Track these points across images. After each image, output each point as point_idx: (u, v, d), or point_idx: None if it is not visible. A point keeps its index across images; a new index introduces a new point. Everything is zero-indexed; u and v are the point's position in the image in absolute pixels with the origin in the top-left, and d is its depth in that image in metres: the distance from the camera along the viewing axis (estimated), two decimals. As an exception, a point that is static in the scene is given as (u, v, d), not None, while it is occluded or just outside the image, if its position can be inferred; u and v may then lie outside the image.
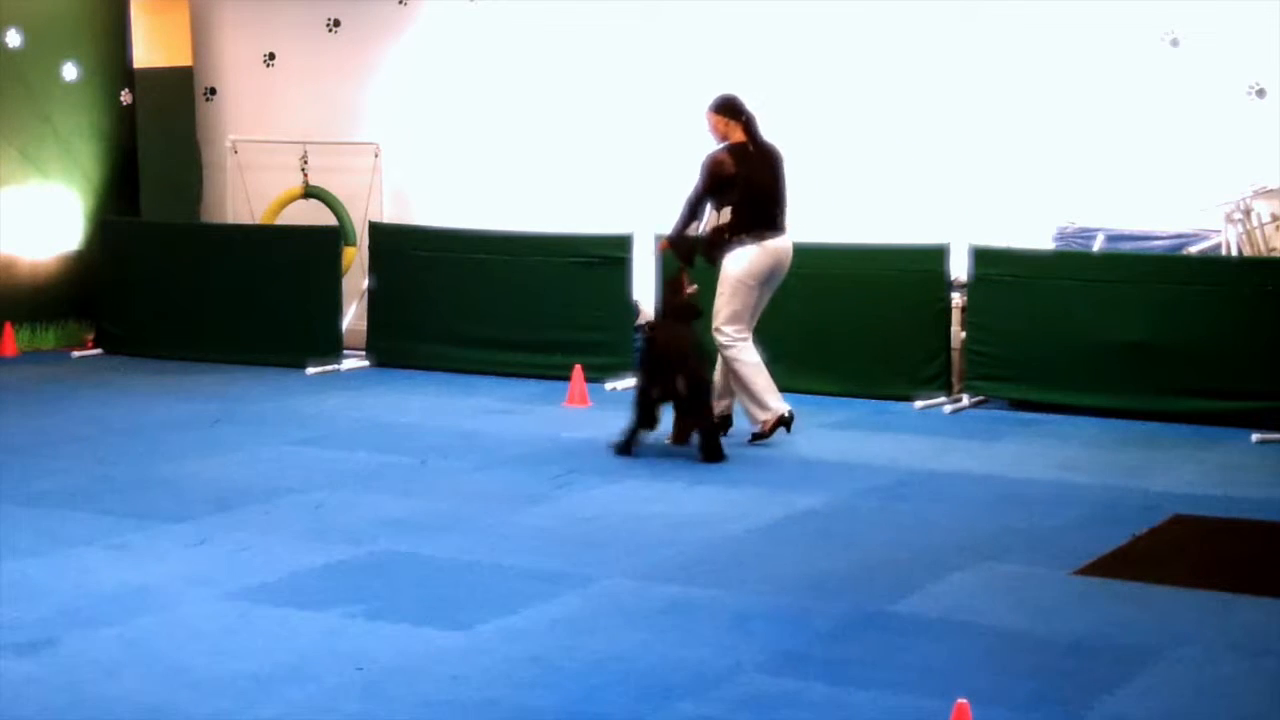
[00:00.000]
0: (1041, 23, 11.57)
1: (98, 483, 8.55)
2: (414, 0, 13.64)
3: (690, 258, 9.66)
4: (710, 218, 9.65)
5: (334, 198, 13.50)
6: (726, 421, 9.69)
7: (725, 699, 5.35)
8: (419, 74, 13.62)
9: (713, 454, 9.09)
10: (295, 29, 14.07)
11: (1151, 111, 11.30)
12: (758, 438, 9.52)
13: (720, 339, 9.50)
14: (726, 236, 9.50)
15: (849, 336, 11.01)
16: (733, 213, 9.51)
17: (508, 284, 12.20)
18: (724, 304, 9.50)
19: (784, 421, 9.49)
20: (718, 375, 9.67)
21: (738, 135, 9.58)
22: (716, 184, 9.50)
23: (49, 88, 13.55)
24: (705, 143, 12.46)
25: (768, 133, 12.31)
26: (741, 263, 9.48)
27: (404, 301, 12.54)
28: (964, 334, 11.01)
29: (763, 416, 9.48)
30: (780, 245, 9.57)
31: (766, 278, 9.57)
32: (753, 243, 9.46)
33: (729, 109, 9.63)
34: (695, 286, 9.68)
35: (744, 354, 9.47)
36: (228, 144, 14.03)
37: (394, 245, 12.63)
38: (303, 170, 13.58)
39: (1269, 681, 5.60)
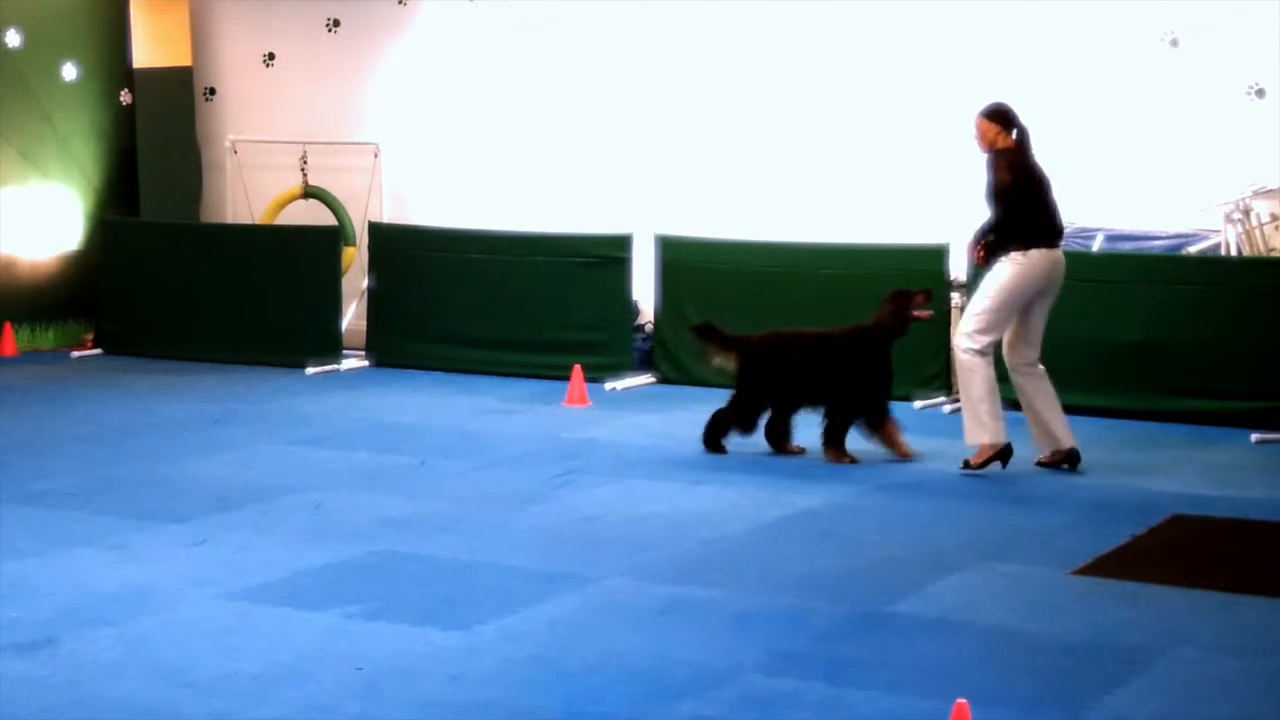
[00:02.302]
0: (1042, 23, 11.56)
1: (98, 483, 8.55)
2: (414, 0, 13.64)
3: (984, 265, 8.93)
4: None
5: (334, 198, 13.50)
6: (1072, 457, 8.87)
7: (725, 699, 5.35)
8: (419, 74, 13.62)
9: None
10: (295, 29, 14.06)
11: (1151, 111, 11.29)
12: (969, 467, 8.79)
13: (966, 343, 8.73)
14: (1002, 239, 8.74)
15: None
16: (1010, 211, 8.72)
17: (508, 284, 12.20)
18: (980, 311, 8.72)
19: (1002, 455, 8.77)
20: (1030, 413, 8.92)
21: (1006, 146, 8.83)
22: (1023, 175, 8.73)
23: (49, 88, 13.54)
24: (705, 142, 12.54)
25: (769, 130, 12.39)
26: (1012, 271, 8.66)
27: (404, 301, 12.54)
28: (964, 334, 10.99)
29: (981, 437, 8.74)
30: (1056, 256, 8.77)
31: (1040, 291, 8.76)
32: (1029, 249, 8.67)
33: (1001, 117, 8.87)
34: (930, 314, 9.36)
35: (979, 367, 8.69)
36: (227, 144, 14.03)
37: (394, 245, 12.63)
38: (302, 170, 13.58)
39: (1269, 681, 5.60)
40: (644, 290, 11.92)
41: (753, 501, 8.18)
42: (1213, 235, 10.83)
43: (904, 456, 9.17)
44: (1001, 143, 8.86)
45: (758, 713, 5.25)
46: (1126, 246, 11.03)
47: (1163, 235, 11.07)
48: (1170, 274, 10.43)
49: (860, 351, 9.26)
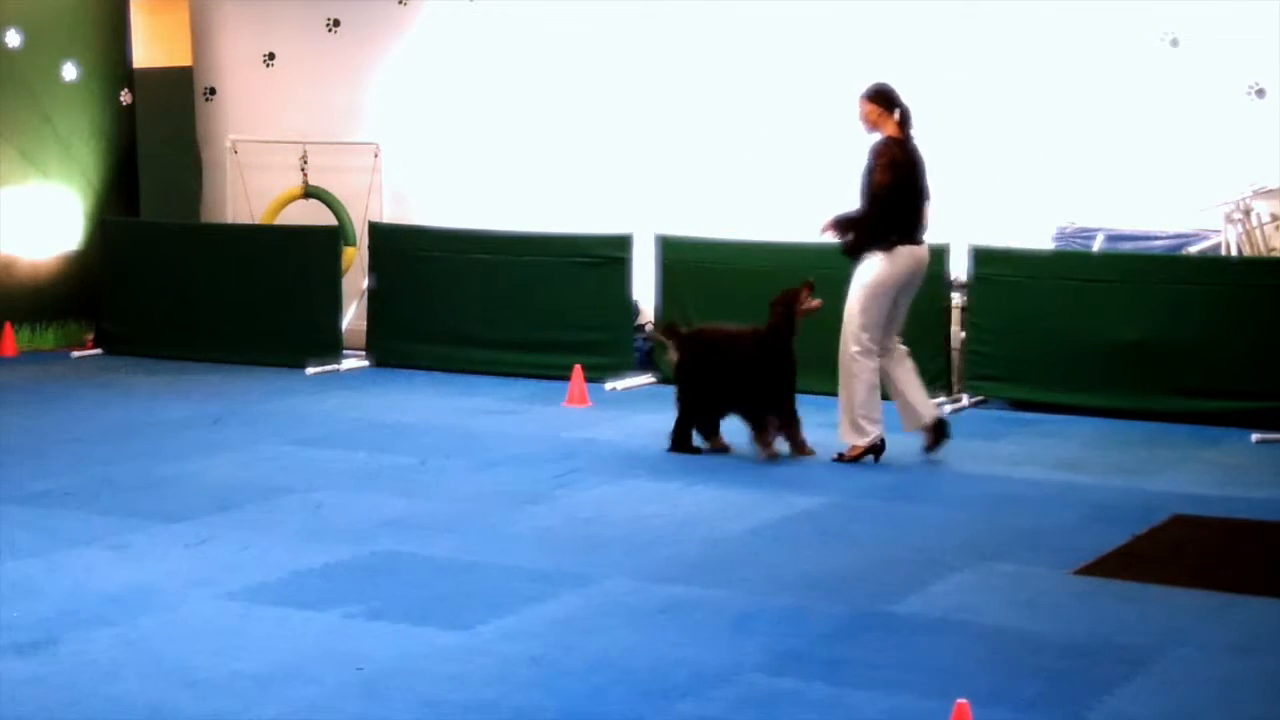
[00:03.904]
0: (1041, 23, 11.57)
1: (98, 483, 8.55)
2: (414, 0, 13.64)
3: (857, 257, 9.08)
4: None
5: (334, 198, 13.50)
6: (940, 428, 9.14)
7: (725, 699, 5.35)
8: (419, 74, 13.62)
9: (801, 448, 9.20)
10: (295, 29, 14.07)
11: (1151, 111, 11.29)
12: (843, 459, 9.05)
13: (852, 347, 8.96)
14: (866, 237, 8.99)
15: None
16: (879, 214, 8.98)
17: (508, 284, 12.20)
18: (858, 311, 8.96)
19: (875, 449, 9.04)
20: (898, 395, 9.18)
21: (890, 128, 9.00)
22: (901, 174, 8.93)
23: (49, 88, 13.54)
24: (705, 142, 12.54)
25: (770, 130, 12.39)
26: (879, 269, 8.95)
27: (404, 301, 12.54)
28: (964, 334, 11.01)
29: (856, 440, 9.03)
30: (919, 253, 9.08)
31: (904, 285, 9.06)
32: (894, 248, 8.94)
33: (883, 99, 9.01)
34: (819, 302, 9.12)
35: (865, 372, 8.95)
36: (228, 144, 14.04)
37: (394, 245, 12.63)
38: (303, 170, 13.58)
39: (1269, 681, 5.60)
40: (644, 290, 11.92)
41: (753, 501, 8.18)
42: (1213, 235, 10.84)
43: (804, 454, 9.22)
44: (886, 127, 9.04)
45: (758, 713, 5.25)
46: (1126, 246, 11.03)
47: (1163, 235, 11.08)
48: (1170, 274, 10.44)
49: (760, 352, 9.23)
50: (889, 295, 9.04)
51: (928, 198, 9.16)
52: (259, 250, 13.01)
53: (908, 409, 9.20)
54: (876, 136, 9.13)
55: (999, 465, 9.08)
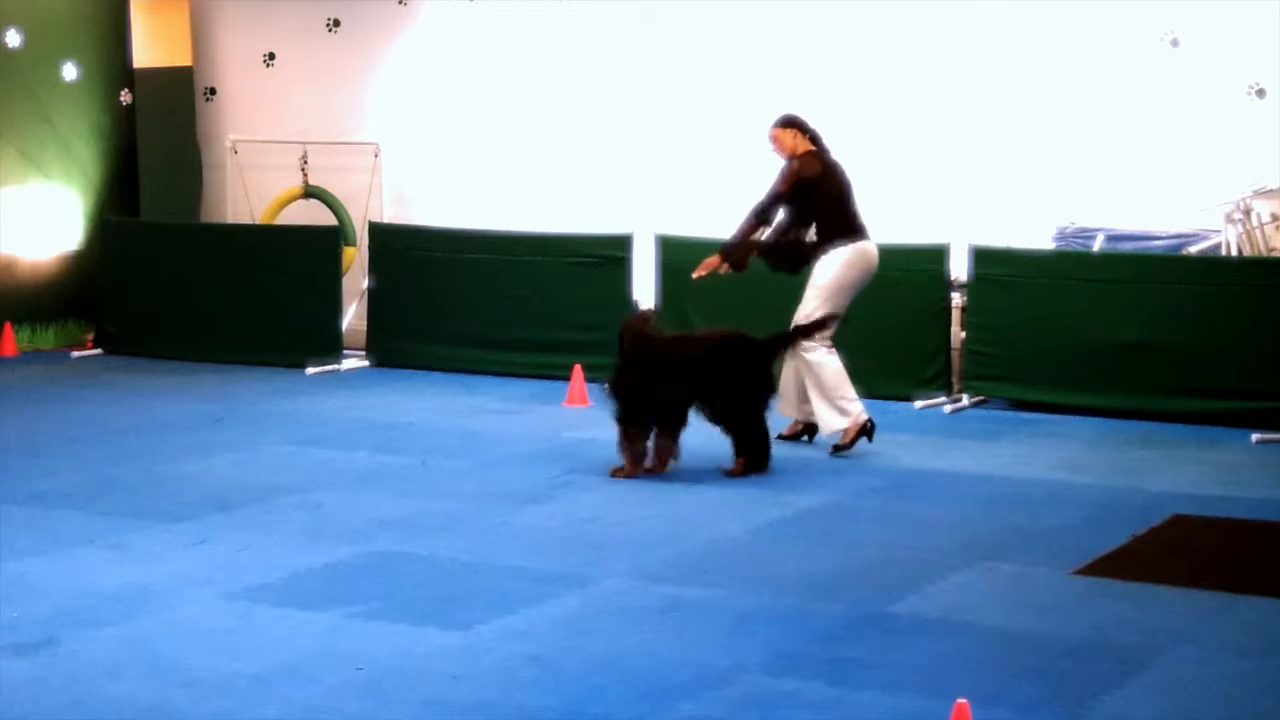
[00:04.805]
0: (1042, 23, 11.58)
1: (98, 483, 8.55)
2: (414, 0, 13.64)
3: (744, 263, 9.47)
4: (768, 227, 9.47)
5: (334, 198, 13.50)
6: (811, 429, 9.57)
7: (725, 699, 5.35)
8: (419, 74, 13.63)
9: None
10: (295, 29, 14.07)
11: (1151, 111, 11.30)
12: (840, 449, 9.22)
13: (806, 342, 9.22)
14: (816, 242, 9.32)
15: (849, 336, 10.98)
16: (821, 218, 9.33)
17: (508, 284, 12.20)
18: (815, 310, 9.24)
19: (866, 430, 9.23)
20: (787, 381, 9.49)
21: (805, 149, 9.39)
22: (801, 187, 9.25)
23: (49, 88, 13.55)
24: (705, 142, 12.54)
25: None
26: (836, 268, 9.27)
27: (404, 301, 12.54)
28: (964, 334, 11.01)
29: (840, 422, 9.21)
30: (870, 249, 9.36)
31: (861, 282, 9.38)
32: (845, 246, 9.26)
33: (798, 124, 9.42)
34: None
35: (826, 359, 9.21)
36: (228, 144, 14.03)
37: (394, 245, 12.63)
38: (303, 170, 13.59)
39: (1269, 681, 5.59)
40: (644, 290, 11.92)
41: (753, 501, 8.18)
42: (1213, 235, 10.84)
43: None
44: (802, 147, 9.38)
45: (758, 713, 5.25)
46: (1126, 246, 11.04)
47: (1163, 235, 11.08)
48: (1170, 274, 10.44)
49: None
50: (847, 294, 9.32)
51: (856, 202, 9.43)
52: (259, 250, 13.00)
53: (791, 399, 9.52)
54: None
55: (999, 465, 9.08)
